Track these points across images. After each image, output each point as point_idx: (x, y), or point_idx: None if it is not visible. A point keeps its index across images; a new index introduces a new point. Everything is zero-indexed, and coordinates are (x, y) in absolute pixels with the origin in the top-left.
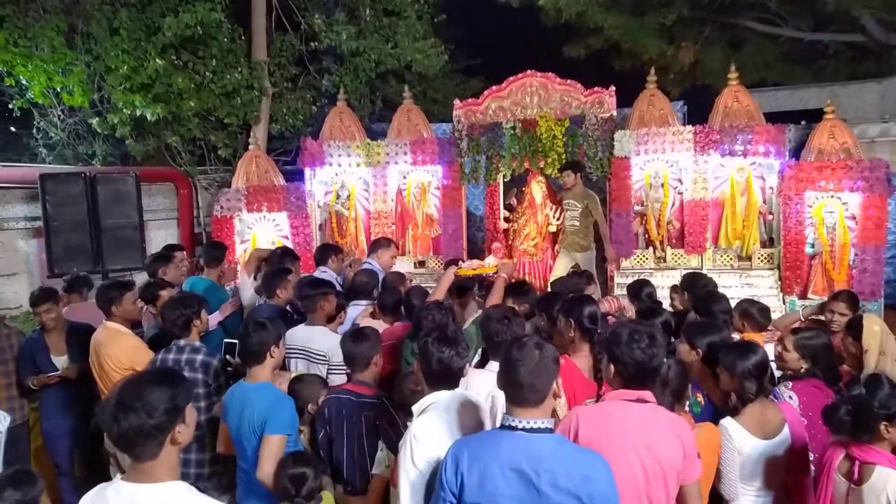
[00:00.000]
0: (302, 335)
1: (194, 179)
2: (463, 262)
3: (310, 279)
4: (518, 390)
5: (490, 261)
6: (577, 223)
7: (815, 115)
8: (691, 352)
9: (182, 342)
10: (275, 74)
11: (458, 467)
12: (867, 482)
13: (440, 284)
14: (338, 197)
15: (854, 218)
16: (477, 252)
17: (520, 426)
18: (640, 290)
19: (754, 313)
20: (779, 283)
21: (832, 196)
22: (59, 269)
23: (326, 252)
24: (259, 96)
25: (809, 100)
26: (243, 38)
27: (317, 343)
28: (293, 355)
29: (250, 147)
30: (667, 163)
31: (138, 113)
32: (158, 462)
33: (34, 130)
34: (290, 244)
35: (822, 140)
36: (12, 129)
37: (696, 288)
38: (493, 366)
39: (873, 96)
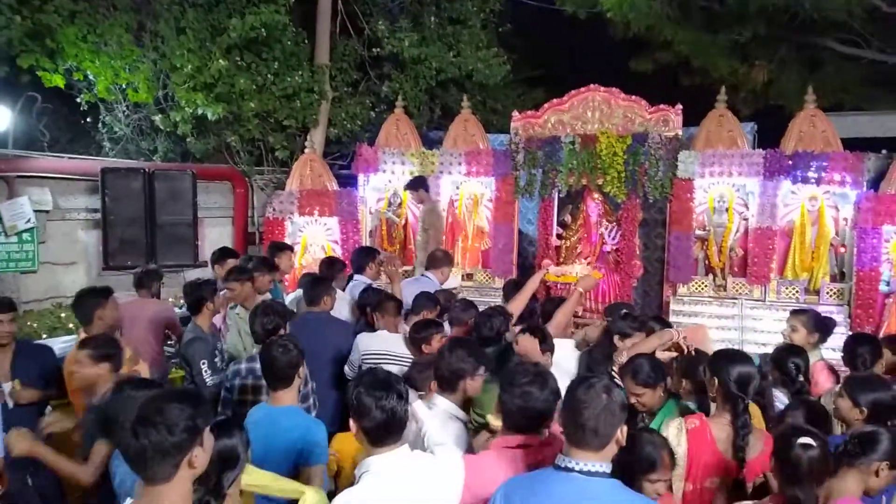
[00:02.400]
0: (380, 342)
1: (251, 179)
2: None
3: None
4: (580, 432)
5: (578, 270)
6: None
7: None
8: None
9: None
10: (336, 79)
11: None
12: None
13: (527, 286)
14: (389, 204)
15: None
16: (527, 267)
17: (576, 468)
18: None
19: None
20: (849, 320)
21: None
22: (113, 262)
23: (364, 259)
24: (319, 100)
25: (891, 127)
26: (307, 41)
27: (398, 348)
28: (371, 361)
29: (306, 150)
30: (733, 186)
31: (200, 111)
32: (172, 486)
33: (100, 125)
34: (339, 248)
35: None
36: (80, 122)
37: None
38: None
39: None
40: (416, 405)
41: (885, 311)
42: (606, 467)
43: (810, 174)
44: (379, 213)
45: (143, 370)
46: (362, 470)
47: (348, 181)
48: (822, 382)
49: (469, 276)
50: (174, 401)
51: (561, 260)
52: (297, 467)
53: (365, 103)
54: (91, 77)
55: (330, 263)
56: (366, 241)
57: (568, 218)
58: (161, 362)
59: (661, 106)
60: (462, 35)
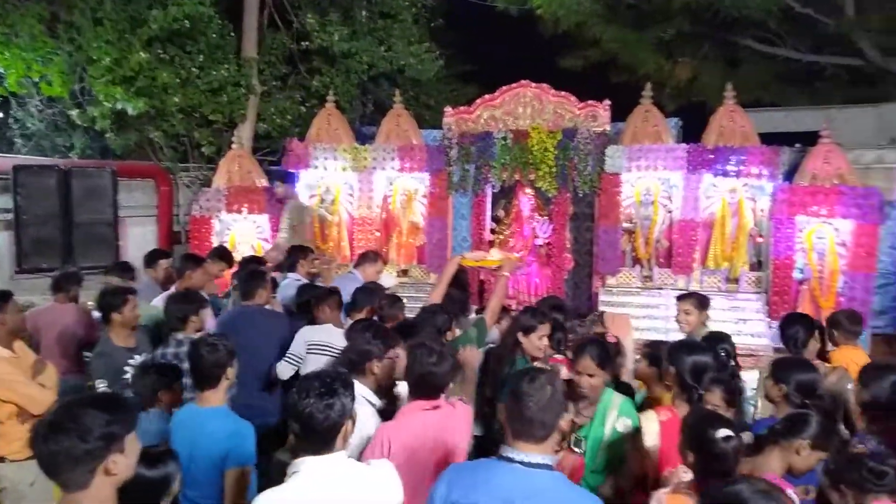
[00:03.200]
0: (324, 335)
1: (176, 176)
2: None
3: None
4: (525, 425)
5: (494, 254)
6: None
7: (810, 138)
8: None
9: (180, 336)
10: (264, 73)
11: (448, 495)
12: None
13: (443, 274)
14: (322, 201)
15: (845, 245)
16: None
17: (517, 459)
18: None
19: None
20: (766, 307)
21: (824, 222)
22: (26, 265)
23: (295, 256)
24: (246, 94)
25: (804, 122)
26: (233, 34)
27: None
28: (316, 352)
29: (233, 146)
30: (659, 180)
31: (119, 106)
32: (89, 494)
33: (11, 120)
34: (269, 247)
35: (816, 164)
36: None
37: None
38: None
39: (869, 121)
40: None
41: (798, 298)
42: (550, 460)
43: (730, 167)
44: (312, 210)
45: (50, 379)
46: (293, 470)
47: (278, 177)
48: None
49: (404, 272)
50: (90, 406)
51: None
52: (223, 470)
53: (295, 98)
54: (1, 70)
55: (252, 262)
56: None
57: (501, 213)
58: (80, 370)
59: (590, 102)
60: (393, 29)
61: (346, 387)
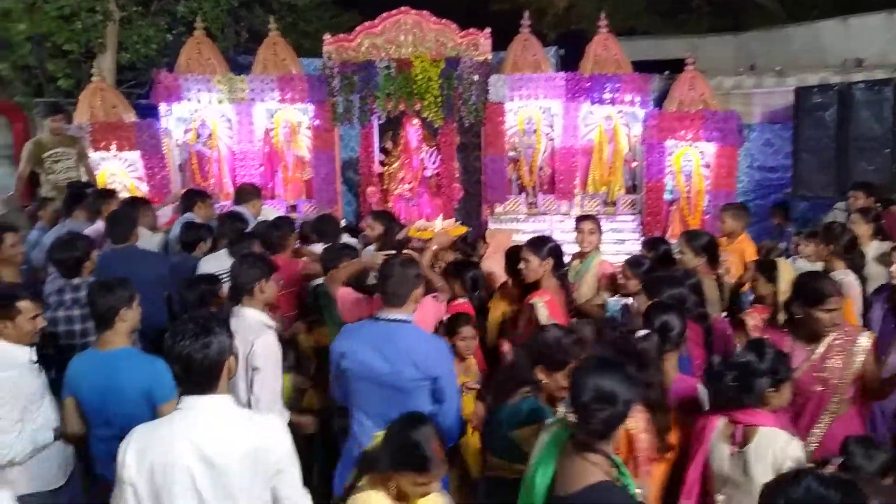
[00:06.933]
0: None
1: (31, 113)
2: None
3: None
4: (387, 295)
5: (438, 224)
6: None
7: (677, 66)
8: None
9: (77, 281)
10: None
11: (340, 343)
12: (751, 444)
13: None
14: (198, 136)
15: (709, 166)
16: (353, 196)
17: (382, 317)
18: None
19: None
20: (641, 227)
21: (690, 145)
22: None
23: (192, 199)
24: (103, 21)
25: (672, 50)
26: None
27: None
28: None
29: (94, 79)
30: (540, 109)
31: None
32: None
33: None
34: (145, 186)
35: (682, 91)
36: None
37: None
38: None
39: (729, 49)
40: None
41: (669, 218)
42: (407, 317)
43: (605, 95)
44: (188, 146)
45: None
46: (177, 406)
47: (148, 112)
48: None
49: (293, 208)
50: None
51: (384, 186)
52: (149, 409)
53: (159, 25)
54: None
55: (131, 203)
56: (175, 177)
57: (389, 144)
58: None
59: (471, 30)
60: None
61: (222, 325)
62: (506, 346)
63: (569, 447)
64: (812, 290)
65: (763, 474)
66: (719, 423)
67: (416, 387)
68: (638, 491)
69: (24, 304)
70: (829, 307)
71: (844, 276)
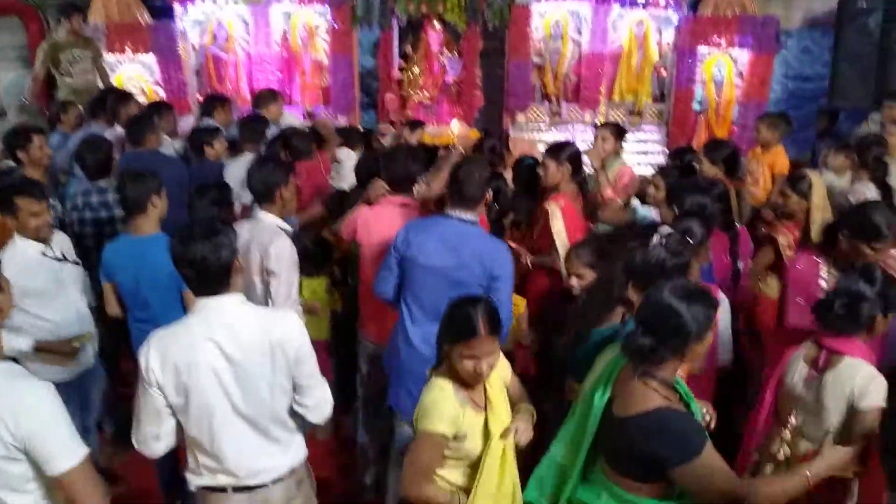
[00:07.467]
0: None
1: (45, 13)
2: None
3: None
4: (457, 196)
5: (454, 127)
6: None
7: None
8: None
9: (103, 183)
10: None
11: (407, 235)
12: (832, 370)
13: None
14: (215, 38)
15: (741, 75)
16: (371, 105)
17: (454, 216)
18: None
19: None
20: (666, 138)
21: (724, 52)
22: None
23: (212, 103)
24: None
25: None
26: None
27: None
28: None
29: None
30: (568, 12)
31: None
32: None
33: None
34: (162, 91)
35: None
36: None
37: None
38: None
39: None
40: (243, 228)
41: (696, 128)
42: (475, 218)
43: None
44: (204, 50)
45: None
46: (193, 310)
47: (163, 13)
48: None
49: (310, 115)
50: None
51: (403, 93)
52: (176, 290)
53: None
54: None
55: (153, 107)
56: (192, 82)
57: (409, 49)
58: None
59: None
60: None
61: (225, 224)
62: (512, 244)
63: (628, 370)
64: (868, 224)
65: (835, 405)
66: (803, 346)
67: (477, 284)
68: (704, 413)
69: (21, 201)
70: (879, 246)
71: (866, 189)
